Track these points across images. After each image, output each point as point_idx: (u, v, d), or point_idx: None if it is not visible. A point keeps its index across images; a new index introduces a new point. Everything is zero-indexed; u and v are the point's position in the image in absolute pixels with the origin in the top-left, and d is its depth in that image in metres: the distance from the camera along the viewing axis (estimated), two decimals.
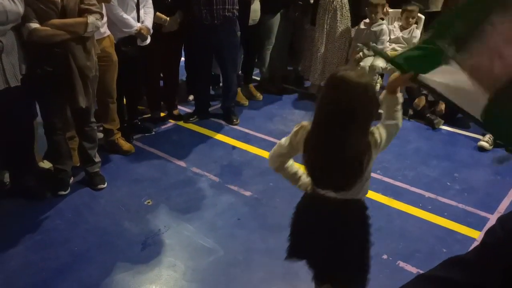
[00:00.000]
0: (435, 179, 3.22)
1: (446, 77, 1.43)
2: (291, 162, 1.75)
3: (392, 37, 4.31)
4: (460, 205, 2.91)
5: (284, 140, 1.67)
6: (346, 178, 1.54)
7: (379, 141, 1.55)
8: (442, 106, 4.00)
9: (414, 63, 1.51)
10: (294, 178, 1.76)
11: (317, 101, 1.51)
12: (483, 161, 3.50)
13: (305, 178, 1.73)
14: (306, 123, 1.59)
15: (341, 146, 1.48)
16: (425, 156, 3.54)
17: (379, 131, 1.57)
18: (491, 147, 3.66)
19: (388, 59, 1.75)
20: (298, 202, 1.78)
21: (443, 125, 4.03)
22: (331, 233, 1.68)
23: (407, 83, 1.65)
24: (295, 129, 1.63)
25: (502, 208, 2.90)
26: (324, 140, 1.51)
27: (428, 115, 4.05)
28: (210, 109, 4.23)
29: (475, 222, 2.74)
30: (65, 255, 2.40)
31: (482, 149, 3.65)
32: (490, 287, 0.95)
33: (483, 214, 2.83)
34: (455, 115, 4.12)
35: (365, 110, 1.45)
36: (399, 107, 1.63)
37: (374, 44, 4.13)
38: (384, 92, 1.64)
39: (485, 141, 3.67)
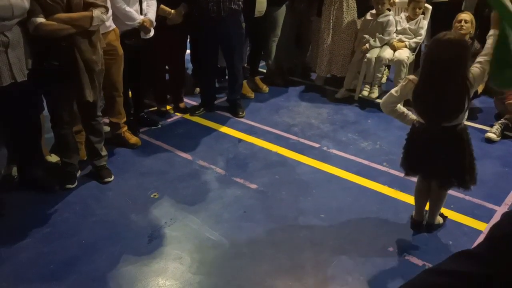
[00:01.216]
0: None
1: None
2: (399, 106, 2.38)
3: (399, 28, 4.26)
4: (467, 197, 2.89)
5: (394, 91, 2.30)
6: (453, 111, 2.14)
7: (473, 81, 2.13)
8: None
9: None
10: (402, 116, 2.40)
11: (425, 57, 2.24)
12: (490, 153, 3.47)
13: (411, 115, 2.38)
14: (413, 76, 2.23)
15: (444, 88, 2.08)
16: None
17: (473, 73, 2.13)
18: (498, 138, 3.63)
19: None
20: (409, 132, 2.38)
21: None
22: (445, 150, 2.25)
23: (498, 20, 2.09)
24: (403, 83, 2.27)
25: (509, 200, 2.88)
26: (433, 85, 2.11)
27: None
28: (216, 102, 4.23)
29: (482, 215, 2.72)
30: (73, 247, 2.43)
31: (489, 140, 3.62)
32: (501, 280, 0.95)
33: (490, 206, 2.81)
34: None
35: (463, 60, 2.08)
36: (490, 39, 2.18)
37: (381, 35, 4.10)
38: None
39: (493, 132, 3.64)
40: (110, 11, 2.90)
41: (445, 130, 2.22)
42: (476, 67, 2.16)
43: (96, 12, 2.57)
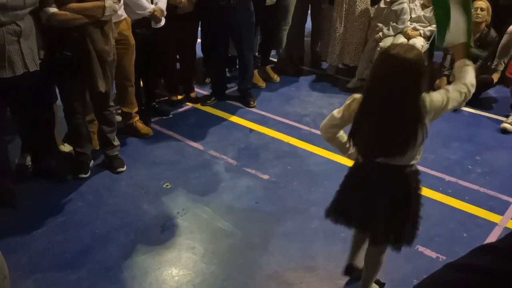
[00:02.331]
0: (456, 162, 3.17)
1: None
2: (341, 133, 1.85)
3: (413, 16, 4.19)
4: (482, 189, 2.86)
5: (336, 112, 1.78)
6: (396, 146, 1.65)
7: (428, 108, 1.64)
8: None
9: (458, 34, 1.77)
10: (344, 147, 1.86)
11: (370, 74, 1.67)
12: (506, 144, 3.42)
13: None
14: (358, 95, 1.70)
15: (391, 116, 1.59)
16: (446, 139, 3.47)
17: (431, 99, 1.66)
18: None
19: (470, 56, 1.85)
20: (348, 171, 1.87)
21: (464, 106, 3.94)
22: (384, 198, 1.75)
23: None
24: (348, 101, 1.74)
25: None
26: (376, 111, 1.62)
27: None
28: (227, 92, 4.21)
29: (497, 206, 2.69)
30: (87, 236, 2.46)
31: (505, 131, 3.56)
32: None
33: (505, 198, 2.78)
34: (478, 96, 4.02)
35: (415, 82, 1.57)
36: (469, 68, 1.76)
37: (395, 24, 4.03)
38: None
39: (508, 122, 3.58)
40: (122, 0, 2.88)
41: (388, 171, 1.72)
42: (440, 94, 1.70)
43: (109, 2, 2.55)
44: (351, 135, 1.72)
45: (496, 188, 2.86)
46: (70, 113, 2.84)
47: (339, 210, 1.90)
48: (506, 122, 3.59)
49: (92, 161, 3.08)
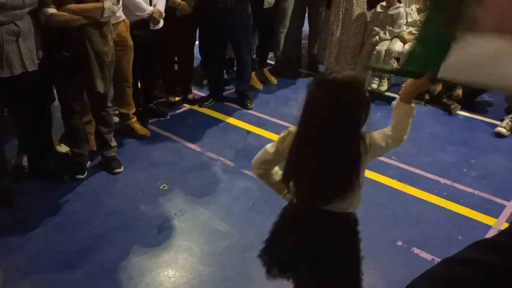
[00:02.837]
0: (452, 165, 3.19)
1: (464, 55, 1.13)
2: (277, 169, 1.60)
3: (409, 20, 4.22)
4: (477, 192, 2.88)
5: (270, 146, 1.55)
6: (333, 190, 1.41)
7: (368, 148, 1.41)
8: (459, 91, 3.93)
9: (424, 61, 1.30)
10: (278, 187, 1.60)
11: (304, 105, 1.39)
12: (500, 147, 3.45)
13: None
14: (294, 128, 1.45)
15: (327, 154, 1.36)
16: (442, 142, 3.50)
17: (371, 138, 1.43)
18: (508, 132, 3.60)
19: (395, 72, 1.55)
20: (281, 212, 1.63)
21: (460, 110, 3.97)
22: (319, 248, 1.53)
23: (426, 86, 1.53)
24: (282, 134, 1.50)
25: None
26: (310, 148, 1.39)
27: (444, 100, 3.99)
28: (224, 93, 4.23)
29: (492, 209, 2.72)
30: (84, 237, 2.46)
31: (499, 135, 3.59)
32: None
33: (499, 201, 2.80)
34: (473, 100, 4.06)
35: (353, 115, 1.34)
36: (411, 120, 1.48)
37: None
38: (397, 99, 1.49)
39: (503, 126, 3.61)
40: (121, 2, 2.89)
41: (325, 217, 1.49)
42: (380, 135, 1.46)
43: (108, 3, 2.56)
44: (283, 174, 1.48)
45: (491, 191, 2.89)
46: (67, 113, 2.84)
47: (272, 260, 1.66)
48: (501, 126, 3.62)
49: (89, 162, 3.08)
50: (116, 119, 3.41)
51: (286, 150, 1.47)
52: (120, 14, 3.00)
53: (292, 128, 1.47)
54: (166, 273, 2.24)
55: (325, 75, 1.37)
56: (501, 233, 1.02)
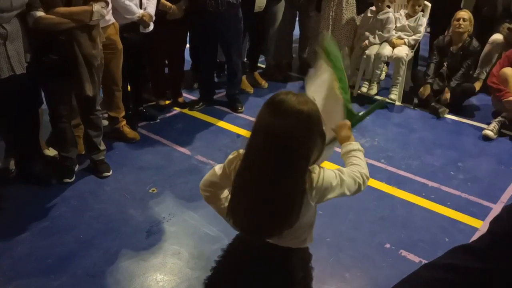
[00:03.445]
0: (439, 168, 3.22)
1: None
2: (226, 194, 1.48)
3: (398, 25, 4.27)
4: (463, 195, 2.91)
5: (218, 167, 1.42)
6: (272, 222, 1.27)
7: (314, 183, 1.27)
8: (447, 95, 3.98)
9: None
10: (225, 212, 1.43)
11: (253, 126, 1.27)
12: (487, 151, 3.49)
13: None
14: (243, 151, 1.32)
15: (269, 183, 1.22)
16: (430, 145, 3.53)
17: (320, 172, 1.28)
18: (495, 136, 3.65)
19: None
20: (232, 241, 1.55)
21: (448, 114, 4.02)
22: (261, 284, 1.44)
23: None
24: (230, 156, 1.38)
25: (505, 198, 2.90)
26: (252, 175, 1.25)
27: (433, 104, 4.03)
28: (215, 97, 4.22)
29: (478, 212, 2.75)
30: (71, 242, 2.44)
31: (487, 137, 3.64)
32: (501, 276, 0.95)
33: (486, 203, 2.83)
34: (460, 104, 4.11)
35: (303, 143, 1.21)
36: (358, 153, 1.41)
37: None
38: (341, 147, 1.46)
39: (490, 130, 3.66)
40: (110, 5, 2.88)
41: (270, 251, 1.39)
42: (334, 172, 1.32)
43: (96, 7, 2.55)
44: (229, 201, 1.35)
45: (478, 193, 2.92)
46: (56, 117, 2.82)
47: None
48: (488, 129, 3.66)
49: (77, 166, 3.06)
50: (105, 122, 3.40)
51: (233, 174, 1.33)
52: (110, 17, 2.99)
53: (242, 150, 1.32)
54: (154, 277, 2.23)
55: (276, 94, 1.25)
56: (480, 238, 1.04)
